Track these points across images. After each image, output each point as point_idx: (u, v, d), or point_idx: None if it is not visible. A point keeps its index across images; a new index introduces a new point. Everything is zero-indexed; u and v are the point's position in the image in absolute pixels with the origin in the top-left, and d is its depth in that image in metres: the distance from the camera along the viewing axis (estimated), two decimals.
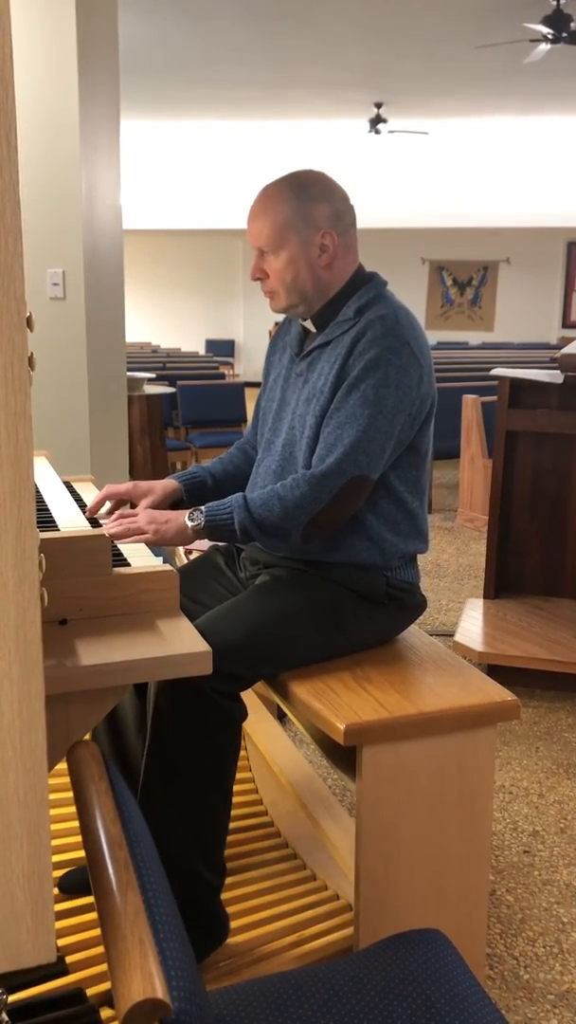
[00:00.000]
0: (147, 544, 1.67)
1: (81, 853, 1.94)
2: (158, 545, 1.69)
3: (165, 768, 1.62)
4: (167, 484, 1.89)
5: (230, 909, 1.79)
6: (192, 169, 13.33)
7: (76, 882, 1.84)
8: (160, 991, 0.74)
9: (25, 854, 0.81)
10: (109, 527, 1.67)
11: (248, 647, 1.64)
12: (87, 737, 1.75)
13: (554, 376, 3.27)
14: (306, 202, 1.72)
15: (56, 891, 1.72)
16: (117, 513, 1.76)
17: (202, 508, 1.71)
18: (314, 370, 1.79)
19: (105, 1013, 1.49)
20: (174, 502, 1.89)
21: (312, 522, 1.68)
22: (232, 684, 1.62)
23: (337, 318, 1.78)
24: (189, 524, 1.69)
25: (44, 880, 0.82)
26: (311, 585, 1.77)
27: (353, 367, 1.70)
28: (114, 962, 0.78)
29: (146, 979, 0.75)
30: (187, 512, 1.72)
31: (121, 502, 1.86)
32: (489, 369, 5.85)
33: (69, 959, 1.65)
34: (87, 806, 1.00)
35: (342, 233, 1.76)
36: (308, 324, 1.84)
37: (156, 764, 1.62)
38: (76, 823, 2.04)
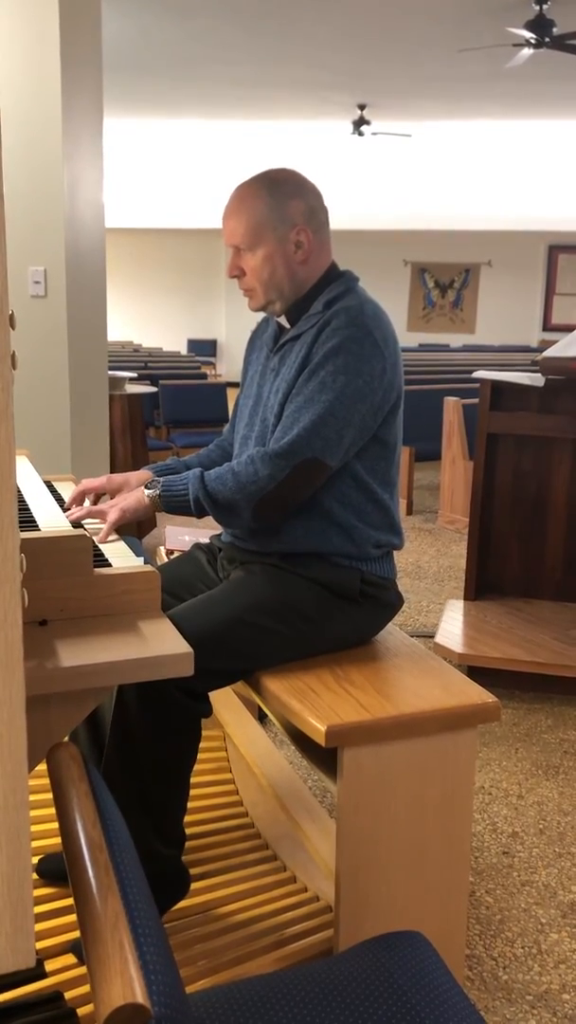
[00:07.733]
0: (109, 521, 1.71)
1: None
2: (120, 521, 1.73)
3: (124, 758, 1.63)
4: (141, 475, 1.91)
5: (210, 910, 1.79)
6: (175, 168, 13.29)
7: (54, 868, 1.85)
8: (140, 996, 0.73)
9: (5, 858, 0.80)
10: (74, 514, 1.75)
11: (211, 643, 1.62)
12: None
13: (535, 379, 3.29)
14: (280, 199, 1.74)
15: (34, 876, 1.73)
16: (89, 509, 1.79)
17: (159, 479, 1.77)
18: (284, 363, 1.82)
19: (83, 1011, 1.48)
20: None
21: (264, 501, 1.70)
22: (197, 681, 1.58)
23: (308, 312, 1.81)
24: (146, 492, 1.75)
25: (24, 884, 0.81)
26: (281, 581, 1.77)
27: (316, 354, 1.72)
28: (94, 967, 0.78)
29: (126, 984, 0.74)
30: (145, 483, 1.78)
31: (98, 497, 1.89)
32: (470, 371, 5.87)
33: (47, 963, 1.63)
34: (67, 809, 0.99)
35: (316, 230, 1.78)
36: (283, 321, 1.86)
37: (116, 754, 1.64)
38: (54, 824, 2.03)
